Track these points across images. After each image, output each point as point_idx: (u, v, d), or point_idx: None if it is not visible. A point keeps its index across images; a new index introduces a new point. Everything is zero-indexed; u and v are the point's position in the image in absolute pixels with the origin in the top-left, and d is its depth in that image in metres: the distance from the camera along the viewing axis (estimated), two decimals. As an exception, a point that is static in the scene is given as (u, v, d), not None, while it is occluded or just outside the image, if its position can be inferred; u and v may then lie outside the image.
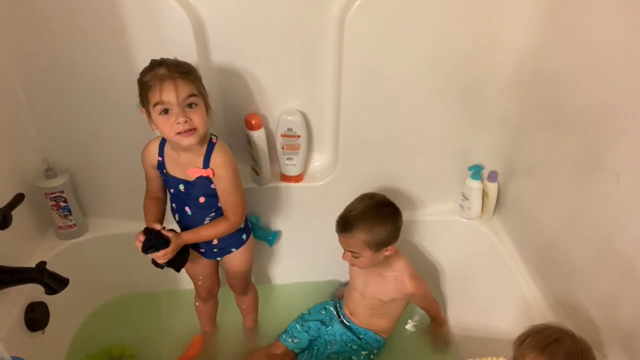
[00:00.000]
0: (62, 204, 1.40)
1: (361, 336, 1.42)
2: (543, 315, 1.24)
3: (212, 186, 1.13)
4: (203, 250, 1.28)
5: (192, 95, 1.02)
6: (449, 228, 1.61)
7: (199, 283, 1.38)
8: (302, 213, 1.55)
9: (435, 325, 1.54)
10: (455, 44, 1.28)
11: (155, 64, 1.03)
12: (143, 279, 1.63)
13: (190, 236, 1.17)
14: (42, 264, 1.18)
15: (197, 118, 1.04)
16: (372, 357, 1.42)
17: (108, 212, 1.53)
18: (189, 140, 1.04)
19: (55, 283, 1.20)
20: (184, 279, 1.58)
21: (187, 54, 1.17)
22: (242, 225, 1.27)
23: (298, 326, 1.44)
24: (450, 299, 1.65)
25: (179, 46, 1.19)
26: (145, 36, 1.21)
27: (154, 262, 1.17)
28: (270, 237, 1.56)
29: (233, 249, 1.29)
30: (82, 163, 1.43)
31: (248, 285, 1.44)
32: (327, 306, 1.51)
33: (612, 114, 0.99)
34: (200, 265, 1.32)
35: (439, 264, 1.67)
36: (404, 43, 1.26)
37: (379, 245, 1.24)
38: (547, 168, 1.27)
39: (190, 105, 1.03)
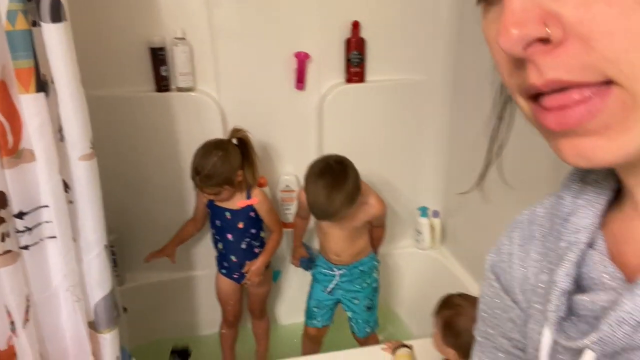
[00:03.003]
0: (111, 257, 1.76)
1: (360, 268, 1.67)
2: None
3: (251, 214, 1.59)
4: (236, 276, 1.67)
5: (214, 193, 1.52)
6: (408, 258, 2.09)
7: (229, 308, 1.74)
8: (297, 253, 1.98)
9: None
10: (400, 123, 1.89)
11: (192, 175, 1.49)
12: (173, 325, 1.95)
13: (264, 257, 1.62)
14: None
15: (223, 197, 1.54)
16: (377, 273, 1.71)
17: (141, 266, 1.88)
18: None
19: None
20: (207, 326, 1.94)
21: (215, 133, 1.68)
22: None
23: (315, 309, 1.73)
24: (414, 317, 2.07)
25: (210, 129, 1.70)
26: (187, 122, 1.71)
27: None
28: (273, 275, 1.96)
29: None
30: (126, 226, 1.82)
31: (265, 310, 1.82)
32: (318, 276, 1.71)
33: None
34: (232, 290, 1.71)
35: (402, 287, 2.12)
36: (367, 123, 1.85)
37: (355, 198, 1.43)
38: (475, 207, 1.80)
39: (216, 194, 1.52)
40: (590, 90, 0.29)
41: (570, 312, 0.38)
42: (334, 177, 1.40)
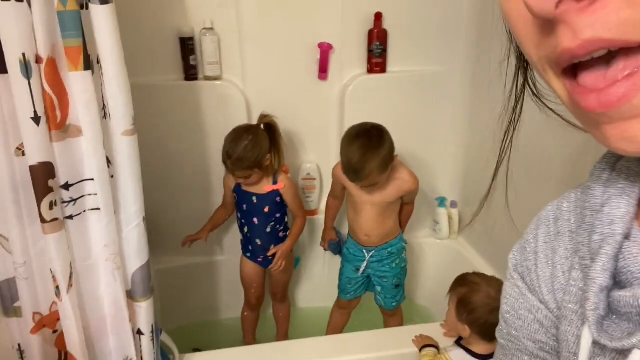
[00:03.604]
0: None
1: (389, 250, 1.71)
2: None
3: (277, 199, 1.64)
4: (261, 259, 1.72)
5: (244, 177, 1.57)
6: (426, 247, 2.13)
7: (252, 291, 1.79)
8: (317, 240, 2.02)
9: None
10: (420, 114, 1.92)
11: (224, 159, 1.55)
12: (195, 308, 2.00)
13: (290, 241, 1.69)
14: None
15: (252, 181, 1.59)
16: (405, 253, 1.76)
17: (165, 249, 1.94)
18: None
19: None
20: (229, 310, 1.99)
21: (240, 121, 1.73)
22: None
23: (349, 286, 1.77)
24: (435, 305, 2.11)
25: (235, 117, 1.75)
26: (213, 110, 1.77)
27: None
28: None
29: None
30: (152, 212, 1.87)
31: (286, 293, 1.87)
32: (348, 256, 1.73)
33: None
34: (256, 274, 1.76)
35: (422, 275, 2.15)
36: (387, 113, 1.87)
37: (388, 164, 1.45)
38: (493, 197, 1.84)
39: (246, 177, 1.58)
40: (633, 62, 0.26)
41: (610, 310, 0.35)
42: (370, 139, 1.44)
